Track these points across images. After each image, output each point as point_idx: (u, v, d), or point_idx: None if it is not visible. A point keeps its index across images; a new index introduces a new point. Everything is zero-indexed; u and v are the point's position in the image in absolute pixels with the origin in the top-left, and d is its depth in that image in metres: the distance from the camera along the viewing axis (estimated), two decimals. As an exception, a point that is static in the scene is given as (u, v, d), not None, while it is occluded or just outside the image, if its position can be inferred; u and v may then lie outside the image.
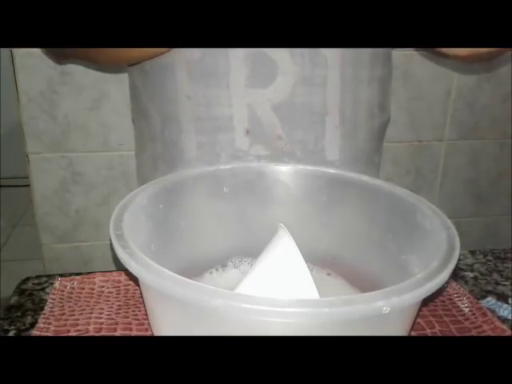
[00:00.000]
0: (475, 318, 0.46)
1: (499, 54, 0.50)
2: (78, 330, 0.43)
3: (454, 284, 0.52)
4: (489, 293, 0.52)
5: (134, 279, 0.50)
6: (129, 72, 0.66)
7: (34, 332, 0.43)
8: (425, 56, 1.10)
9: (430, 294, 0.31)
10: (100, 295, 0.48)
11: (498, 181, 1.28)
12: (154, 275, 0.31)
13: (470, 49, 0.48)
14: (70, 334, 0.43)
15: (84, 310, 0.46)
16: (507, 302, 0.50)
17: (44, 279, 0.52)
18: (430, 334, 0.44)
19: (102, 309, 0.46)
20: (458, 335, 0.44)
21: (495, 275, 0.56)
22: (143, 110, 0.64)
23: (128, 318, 0.45)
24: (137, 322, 0.45)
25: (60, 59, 0.93)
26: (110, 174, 1.07)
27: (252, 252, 0.47)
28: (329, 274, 0.49)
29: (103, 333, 0.43)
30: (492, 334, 0.44)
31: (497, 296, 0.51)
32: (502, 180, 1.28)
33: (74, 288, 0.49)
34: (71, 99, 1.01)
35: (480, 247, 0.62)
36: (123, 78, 0.99)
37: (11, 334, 0.44)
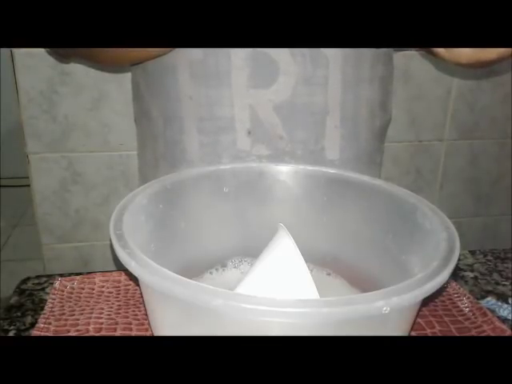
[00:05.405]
0: (475, 317, 0.46)
1: (500, 61, 0.50)
2: (78, 330, 0.43)
3: (453, 284, 0.52)
4: (489, 293, 0.52)
5: (134, 279, 0.50)
6: (132, 72, 0.67)
7: (34, 332, 0.43)
8: (425, 57, 1.10)
9: (429, 294, 0.31)
10: (100, 295, 0.48)
11: (498, 181, 1.28)
12: (154, 275, 0.31)
13: (471, 56, 0.48)
14: (70, 334, 0.43)
15: (84, 310, 0.46)
16: (507, 302, 0.50)
17: (44, 279, 0.52)
18: (430, 334, 0.44)
19: (102, 309, 0.46)
20: (458, 335, 0.44)
21: (495, 275, 0.56)
22: (145, 109, 0.64)
23: (128, 317, 0.45)
24: (137, 322, 0.45)
25: (63, 58, 0.93)
26: (110, 174, 1.07)
27: (252, 252, 0.46)
28: (329, 274, 0.49)
29: (103, 333, 0.43)
30: (492, 334, 0.44)
31: (497, 296, 0.51)
32: (502, 180, 1.28)
33: (73, 288, 0.49)
34: (71, 99, 1.01)
35: (480, 247, 0.62)
36: (123, 78, 0.99)
37: (11, 333, 0.44)
